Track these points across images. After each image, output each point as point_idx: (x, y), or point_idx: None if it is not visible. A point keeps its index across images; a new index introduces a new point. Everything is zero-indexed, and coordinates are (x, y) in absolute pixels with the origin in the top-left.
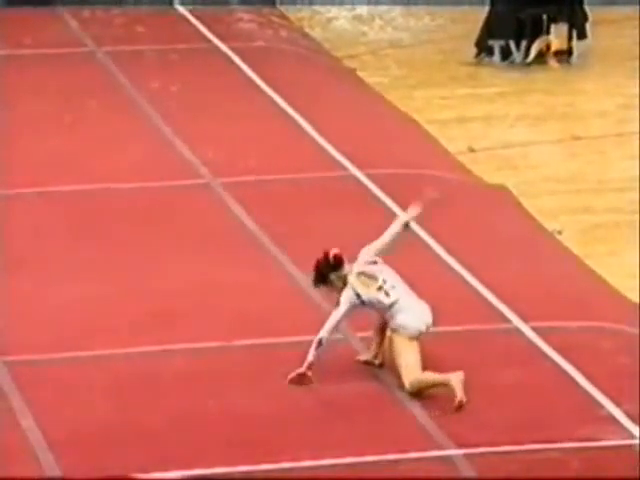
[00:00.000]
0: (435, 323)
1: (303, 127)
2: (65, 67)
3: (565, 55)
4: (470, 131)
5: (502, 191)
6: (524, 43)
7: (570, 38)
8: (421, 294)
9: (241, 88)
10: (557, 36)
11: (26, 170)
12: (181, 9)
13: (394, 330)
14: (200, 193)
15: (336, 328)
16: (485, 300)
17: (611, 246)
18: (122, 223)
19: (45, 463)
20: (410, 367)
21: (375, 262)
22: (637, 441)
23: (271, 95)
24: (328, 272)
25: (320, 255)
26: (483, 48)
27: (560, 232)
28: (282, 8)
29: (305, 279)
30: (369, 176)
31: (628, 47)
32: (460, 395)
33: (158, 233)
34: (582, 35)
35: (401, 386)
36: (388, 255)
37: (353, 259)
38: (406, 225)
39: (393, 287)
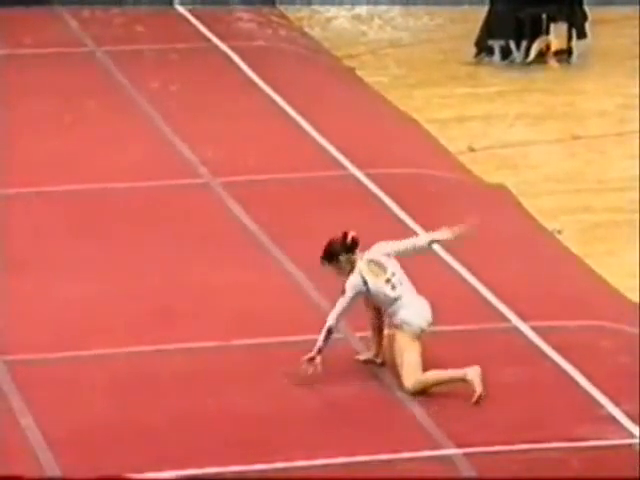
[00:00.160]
0: (434, 322)
1: (302, 127)
2: (65, 67)
3: (565, 55)
4: (470, 130)
5: (502, 190)
6: (524, 43)
7: (570, 38)
8: (420, 293)
9: (240, 87)
10: (557, 36)
11: (26, 170)
12: (181, 9)
13: (397, 327)
14: (199, 193)
15: (343, 315)
16: (484, 299)
17: (611, 245)
18: (122, 223)
19: (45, 462)
20: (412, 367)
21: (388, 255)
22: (637, 440)
23: (270, 94)
24: (340, 252)
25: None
26: (483, 48)
27: (560, 232)
28: (282, 8)
29: (305, 279)
30: (369, 175)
31: (628, 47)
32: (479, 389)
33: (157, 233)
34: (582, 35)
35: (400, 385)
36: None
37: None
38: (430, 243)
39: (400, 283)
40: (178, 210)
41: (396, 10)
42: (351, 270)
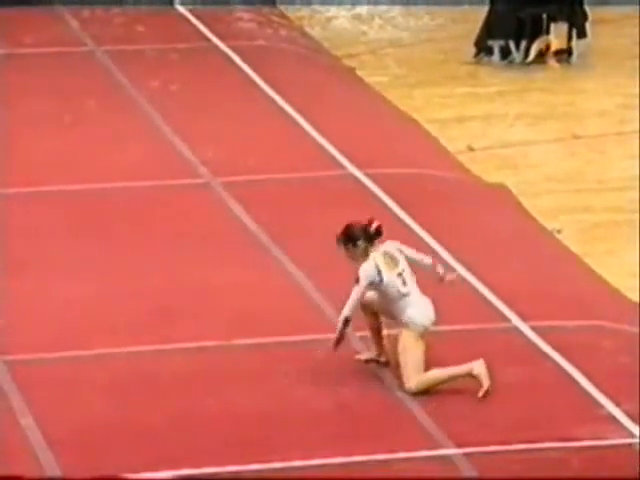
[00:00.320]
0: (434, 321)
1: (302, 126)
2: (65, 67)
3: (565, 54)
4: (470, 130)
5: (502, 190)
6: (524, 43)
7: (570, 37)
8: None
9: (241, 87)
10: (557, 35)
11: (25, 170)
12: (181, 8)
13: (403, 325)
14: (200, 193)
15: (358, 304)
16: (484, 299)
17: (611, 245)
18: (122, 223)
19: (45, 462)
20: (415, 367)
21: (400, 251)
22: (637, 440)
23: (270, 94)
24: (359, 237)
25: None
26: (483, 48)
27: (560, 231)
28: (282, 7)
29: (305, 279)
30: (368, 175)
31: (628, 46)
32: (487, 384)
33: (158, 233)
34: (582, 34)
35: (401, 385)
36: None
37: None
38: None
39: (409, 279)
40: (178, 210)
41: (396, 10)
42: (364, 259)
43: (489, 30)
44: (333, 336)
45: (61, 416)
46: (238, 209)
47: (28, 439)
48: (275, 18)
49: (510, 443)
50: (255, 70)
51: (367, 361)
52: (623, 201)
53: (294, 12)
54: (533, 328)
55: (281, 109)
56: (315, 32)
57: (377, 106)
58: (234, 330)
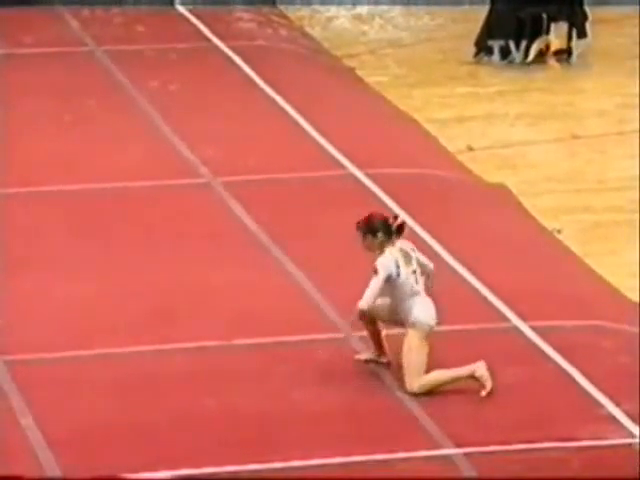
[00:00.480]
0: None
1: (303, 126)
2: (65, 66)
3: (565, 54)
4: (470, 130)
5: (502, 190)
6: (524, 43)
7: (570, 37)
8: None
9: (241, 87)
10: (557, 35)
11: (25, 169)
12: (181, 8)
13: (410, 325)
14: (200, 192)
15: (376, 296)
16: (484, 299)
17: (611, 245)
18: (122, 222)
19: (45, 462)
20: (418, 370)
21: (413, 251)
22: (637, 440)
23: (270, 94)
24: (379, 230)
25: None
26: (483, 47)
27: (560, 231)
28: (282, 7)
29: (305, 279)
30: (368, 175)
31: (628, 46)
32: (489, 385)
33: (158, 232)
34: (582, 34)
35: (402, 385)
36: None
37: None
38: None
39: (420, 279)
40: (178, 210)
41: (397, 10)
42: (380, 252)
43: (489, 30)
44: (333, 336)
45: (61, 416)
46: (238, 209)
47: (28, 439)
48: (275, 18)
49: (510, 443)
50: (255, 70)
51: (367, 361)
52: (623, 201)
53: (294, 12)
54: (533, 328)
55: (281, 109)
56: (315, 32)
57: (377, 106)
58: (234, 330)
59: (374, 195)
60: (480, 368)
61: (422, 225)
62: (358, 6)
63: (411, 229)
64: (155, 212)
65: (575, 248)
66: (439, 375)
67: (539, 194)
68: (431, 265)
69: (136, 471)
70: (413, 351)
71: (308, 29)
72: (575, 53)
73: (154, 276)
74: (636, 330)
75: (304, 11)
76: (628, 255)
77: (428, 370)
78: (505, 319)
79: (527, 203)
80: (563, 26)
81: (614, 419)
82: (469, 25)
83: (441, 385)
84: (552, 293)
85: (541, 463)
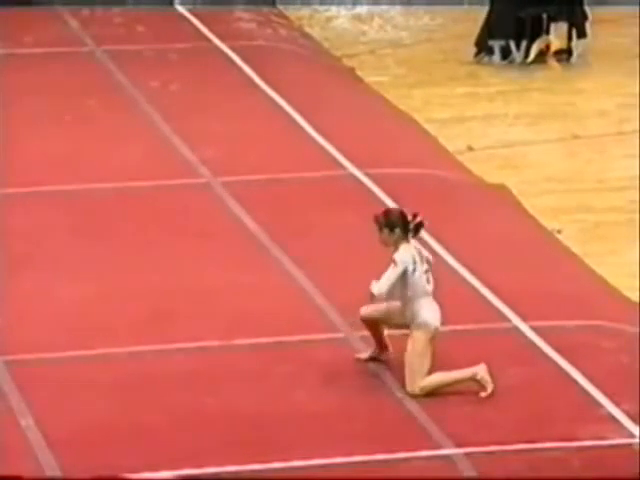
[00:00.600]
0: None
1: (302, 126)
2: (65, 66)
3: (565, 54)
4: (469, 130)
5: (501, 190)
6: (524, 43)
7: (570, 37)
8: None
9: (240, 87)
10: (557, 35)
11: (25, 169)
12: (181, 8)
13: (417, 326)
14: (200, 192)
15: (390, 286)
16: (484, 299)
17: (611, 245)
18: (122, 222)
19: (44, 462)
20: (421, 371)
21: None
22: (637, 440)
23: (270, 94)
24: (397, 226)
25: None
26: (483, 47)
27: (559, 231)
28: (282, 7)
29: (305, 279)
30: (368, 175)
31: (628, 46)
32: (490, 387)
33: (158, 232)
34: (582, 34)
35: (403, 385)
36: None
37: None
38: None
39: (431, 280)
40: (178, 210)
41: (396, 9)
42: (395, 248)
43: (490, 30)
44: (333, 336)
45: (61, 416)
46: (238, 209)
47: (28, 439)
48: (275, 18)
49: (510, 443)
50: (255, 70)
51: (367, 359)
52: (623, 201)
53: (294, 12)
54: (533, 328)
55: (281, 109)
56: (315, 32)
57: (377, 106)
58: (234, 330)
59: (374, 195)
60: (481, 371)
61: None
62: (358, 6)
63: None
64: (155, 212)
65: (575, 248)
66: (440, 377)
67: (539, 194)
68: (431, 258)
69: (136, 471)
70: (417, 352)
71: (308, 29)
72: (575, 53)
73: (154, 276)
74: (636, 330)
75: (304, 11)
76: (628, 255)
77: (429, 371)
78: (505, 319)
79: (527, 203)
80: (563, 26)
81: (614, 419)
82: (469, 25)
83: (442, 387)
84: (552, 293)
85: (541, 463)
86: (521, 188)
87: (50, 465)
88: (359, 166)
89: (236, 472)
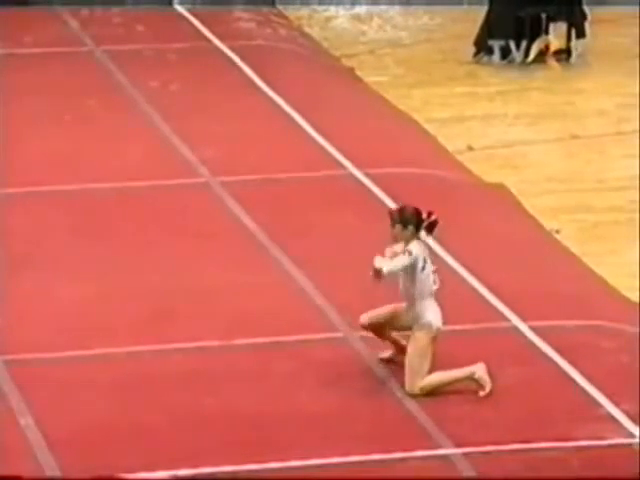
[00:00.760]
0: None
1: (302, 126)
2: (64, 66)
3: (564, 54)
4: (469, 130)
5: (501, 190)
6: (524, 43)
7: (569, 37)
8: None
9: (240, 87)
10: (556, 35)
11: (25, 169)
12: (180, 8)
13: (421, 327)
14: (199, 192)
15: (397, 270)
16: (483, 299)
17: (610, 245)
18: (121, 222)
19: (44, 462)
20: (421, 371)
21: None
22: (637, 440)
23: (270, 94)
24: (411, 223)
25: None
26: (482, 47)
27: (558, 231)
28: (281, 7)
29: (305, 279)
30: (368, 175)
31: (627, 46)
32: (489, 387)
33: (157, 232)
34: (581, 34)
35: (402, 385)
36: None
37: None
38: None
39: (437, 280)
40: (178, 210)
41: (396, 9)
42: (405, 245)
43: (489, 30)
44: (332, 336)
45: (60, 416)
46: (237, 209)
47: (27, 439)
48: (274, 18)
49: (509, 443)
50: (254, 70)
51: (386, 360)
52: (622, 201)
53: (293, 12)
54: (532, 328)
55: (280, 109)
56: (314, 32)
57: (376, 106)
58: (233, 330)
59: (373, 195)
60: (479, 370)
61: None
62: (357, 6)
63: None
64: (154, 212)
65: (574, 248)
66: (439, 377)
67: (538, 194)
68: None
69: (136, 471)
70: (419, 353)
71: (307, 29)
72: (574, 53)
73: (153, 276)
74: (636, 330)
75: (303, 11)
76: (627, 255)
77: (430, 371)
78: (504, 319)
79: (526, 203)
80: (562, 26)
81: (613, 419)
82: (468, 25)
83: (441, 387)
84: (551, 293)
85: (541, 463)
86: (520, 188)
87: (50, 465)
88: (359, 166)
89: (235, 472)
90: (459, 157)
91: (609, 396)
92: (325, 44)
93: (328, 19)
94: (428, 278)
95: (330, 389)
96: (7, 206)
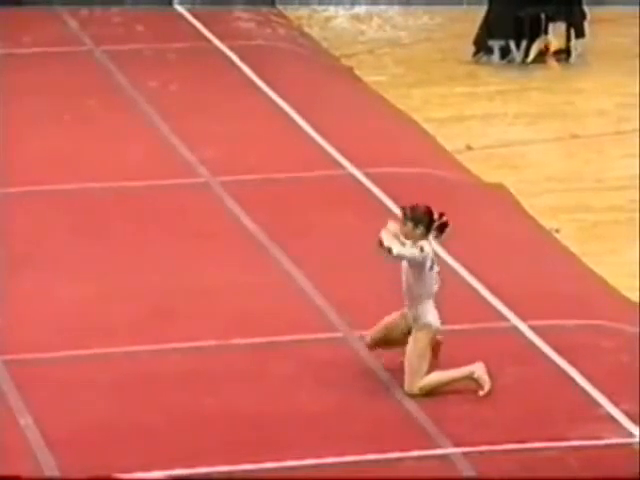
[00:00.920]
0: None
1: (301, 126)
2: (64, 66)
3: (564, 54)
4: (468, 129)
5: (500, 190)
6: (524, 43)
7: (568, 37)
8: None
9: (239, 87)
10: (555, 35)
11: (24, 169)
12: (180, 8)
13: (422, 327)
14: (199, 192)
15: (405, 256)
16: (483, 298)
17: (610, 245)
18: (121, 222)
19: (43, 462)
20: (420, 371)
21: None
22: (636, 440)
23: (269, 94)
24: (424, 222)
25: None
26: (481, 47)
27: (558, 231)
28: (280, 7)
29: (304, 278)
30: (367, 175)
31: (627, 46)
32: (488, 386)
33: (157, 232)
34: (580, 34)
35: (401, 385)
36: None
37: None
38: None
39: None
40: (177, 210)
41: (395, 9)
42: (413, 243)
43: (489, 30)
44: (331, 336)
45: (60, 416)
46: (237, 209)
47: (27, 439)
48: (274, 18)
49: (509, 442)
50: (254, 70)
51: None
52: (622, 200)
53: (293, 12)
54: (532, 328)
55: (279, 109)
56: (314, 32)
57: (376, 106)
58: (232, 330)
59: (373, 195)
60: (479, 369)
61: None
62: (356, 6)
63: None
64: (153, 211)
65: (574, 248)
66: (438, 376)
67: (538, 194)
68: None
69: (135, 471)
70: (418, 353)
71: (307, 29)
72: (574, 53)
73: (153, 276)
74: (636, 330)
75: (303, 11)
76: (627, 255)
77: (428, 371)
78: (503, 318)
79: (526, 203)
80: (561, 26)
81: (613, 419)
82: (468, 24)
83: (441, 386)
84: (551, 292)
85: (540, 463)
86: (520, 187)
87: (49, 465)
88: (358, 166)
89: (234, 472)
90: (458, 157)
91: (609, 396)
92: (325, 44)
93: (328, 19)
94: (432, 279)
95: (329, 389)
96: (7, 206)
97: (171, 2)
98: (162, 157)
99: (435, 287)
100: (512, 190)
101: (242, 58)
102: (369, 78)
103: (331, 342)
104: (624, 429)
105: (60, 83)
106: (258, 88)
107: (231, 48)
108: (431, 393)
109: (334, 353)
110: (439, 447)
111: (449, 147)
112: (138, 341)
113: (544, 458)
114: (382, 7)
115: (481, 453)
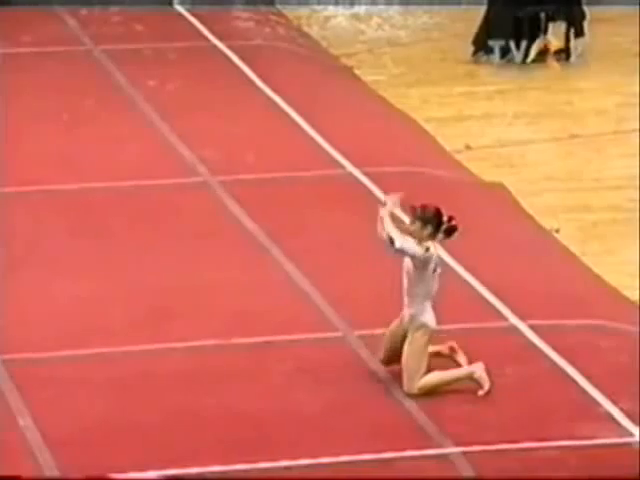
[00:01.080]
0: None
1: (301, 125)
2: (63, 66)
3: (563, 54)
4: (468, 129)
5: (499, 189)
6: (524, 43)
7: (568, 37)
8: None
9: (239, 86)
10: (555, 35)
11: (24, 168)
12: (179, 8)
13: (419, 327)
14: (198, 191)
15: (408, 250)
16: (482, 298)
17: (609, 244)
18: (120, 221)
19: (43, 462)
20: (419, 371)
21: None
22: (636, 439)
23: (269, 93)
24: (433, 223)
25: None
26: (481, 46)
27: (557, 230)
28: (280, 7)
29: (303, 278)
30: (367, 174)
31: (626, 45)
32: (487, 386)
33: (156, 231)
34: (580, 33)
35: (401, 385)
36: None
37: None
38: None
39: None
40: (177, 209)
41: (395, 9)
42: (418, 242)
43: (489, 30)
44: (331, 335)
45: (59, 416)
46: (236, 208)
47: (26, 439)
48: (273, 17)
49: (508, 442)
50: (253, 69)
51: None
52: (622, 200)
53: (292, 11)
54: (531, 327)
55: (279, 108)
56: (313, 31)
57: (375, 105)
58: (232, 329)
59: (372, 194)
60: (478, 369)
61: None
62: (356, 5)
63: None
64: (153, 211)
65: (573, 247)
66: (438, 376)
67: (537, 193)
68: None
69: (135, 471)
70: (416, 353)
71: (306, 28)
72: (574, 52)
73: (152, 275)
74: (635, 330)
75: (302, 10)
76: (626, 254)
77: (428, 370)
78: (503, 318)
79: (525, 202)
80: (561, 25)
81: (613, 418)
82: (467, 24)
83: (440, 386)
84: (550, 292)
85: (539, 462)
86: (519, 187)
87: (49, 465)
88: (357, 165)
89: (234, 471)
90: (458, 156)
91: (608, 395)
92: (324, 43)
93: (327, 18)
94: (433, 281)
95: (328, 388)
96: (5, 205)
97: (171, 2)
98: (161, 156)
99: (435, 285)
100: (511, 190)
101: (241, 58)
102: (368, 78)
103: (330, 341)
104: (624, 429)
105: (59, 83)
106: (257, 88)
107: (230, 48)
108: (430, 393)
109: (333, 352)
110: (439, 447)
111: (448, 147)
112: (137, 341)
113: (544, 458)
114: (381, 7)
115: (481, 453)
